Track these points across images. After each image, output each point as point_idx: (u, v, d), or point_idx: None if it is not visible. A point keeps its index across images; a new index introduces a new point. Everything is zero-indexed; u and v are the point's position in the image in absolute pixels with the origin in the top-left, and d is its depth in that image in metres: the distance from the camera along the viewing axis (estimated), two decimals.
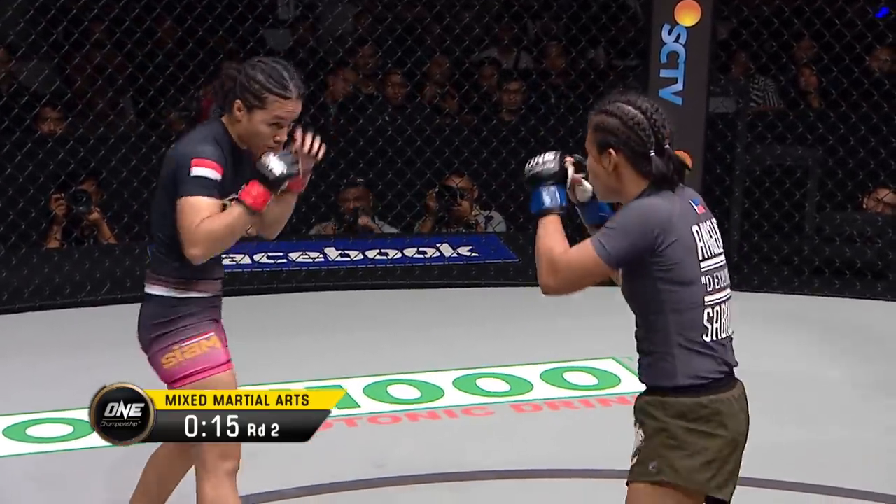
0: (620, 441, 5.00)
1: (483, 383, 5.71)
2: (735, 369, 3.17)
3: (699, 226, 3.12)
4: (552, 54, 8.59)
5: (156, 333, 3.54)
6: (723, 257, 3.16)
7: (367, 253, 7.37)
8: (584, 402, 5.60)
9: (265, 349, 5.87)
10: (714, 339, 3.12)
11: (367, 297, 7.00)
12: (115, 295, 6.72)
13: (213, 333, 3.57)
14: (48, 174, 7.08)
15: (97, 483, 4.69)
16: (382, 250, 7.39)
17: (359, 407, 5.47)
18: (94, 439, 5.00)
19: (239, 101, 3.50)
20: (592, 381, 5.82)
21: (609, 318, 6.69)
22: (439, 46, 8.56)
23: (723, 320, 3.15)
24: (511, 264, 7.31)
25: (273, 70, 3.49)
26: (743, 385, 3.18)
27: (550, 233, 3.24)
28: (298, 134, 3.53)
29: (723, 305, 3.15)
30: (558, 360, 6.00)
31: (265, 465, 4.48)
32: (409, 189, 7.63)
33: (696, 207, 3.14)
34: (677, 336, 3.11)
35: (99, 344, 5.95)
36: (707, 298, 3.11)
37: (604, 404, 5.57)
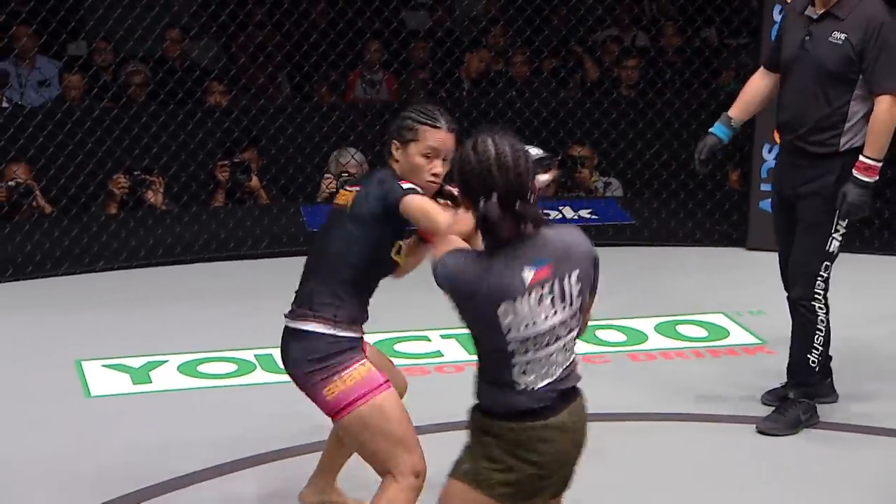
0: (731, 388, 5.07)
1: (601, 334, 5.72)
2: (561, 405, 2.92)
3: (522, 298, 2.81)
4: (668, 33, 8.52)
5: (312, 368, 3.41)
6: (558, 317, 2.85)
7: None
8: (695, 352, 5.59)
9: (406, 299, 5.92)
10: (530, 387, 2.87)
11: None
12: (273, 249, 6.85)
13: (365, 359, 3.47)
14: (215, 141, 7.24)
15: (260, 413, 4.82)
16: None
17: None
18: (256, 376, 5.19)
19: (395, 141, 3.44)
20: (703, 333, 5.81)
21: (718, 276, 6.72)
22: (564, 26, 8.53)
23: (542, 372, 2.88)
24: (627, 226, 7.28)
25: (423, 107, 3.46)
26: (579, 409, 2.96)
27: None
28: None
29: (546, 360, 2.88)
30: (671, 313, 5.99)
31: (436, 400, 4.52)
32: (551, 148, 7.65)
33: (532, 272, 2.81)
34: (486, 373, 2.93)
35: (259, 292, 6.04)
36: (517, 359, 2.85)
37: (713, 354, 5.56)
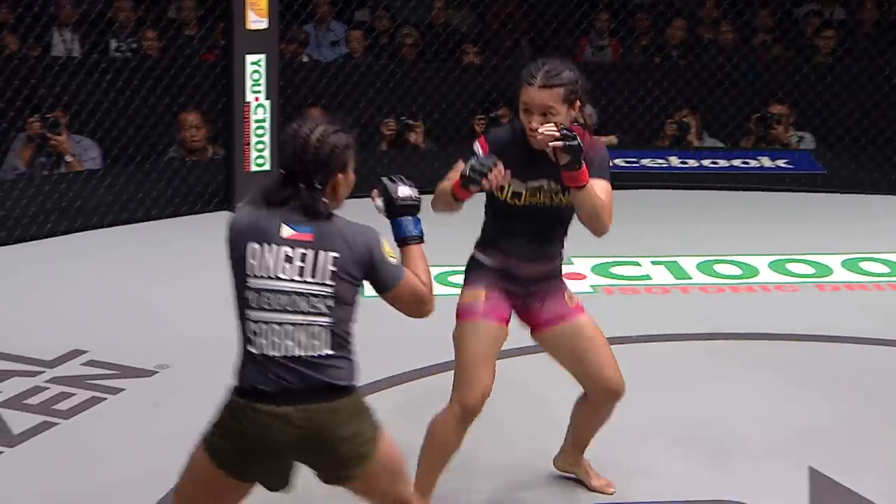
0: None
1: (792, 266, 5.48)
2: (294, 392, 2.45)
3: (272, 246, 2.47)
4: (867, 7, 8.01)
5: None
6: (310, 288, 2.45)
7: (702, 161, 7.17)
8: (877, 286, 5.29)
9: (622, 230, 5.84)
10: (261, 353, 2.47)
11: (699, 196, 6.80)
12: None
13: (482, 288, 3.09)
14: (471, 97, 7.21)
15: None
16: (713, 160, 7.18)
17: (691, 279, 5.37)
18: None
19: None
20: (885, 269, 5.48)
21: None
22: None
23: (276, 340, 2.46)
24: (819, 175, 6.93)
25: (533, 64, 2.99)
26: (304, 405, 2.44)
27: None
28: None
29: (280, 327, 2.45)
30: (857, 252, 5.66)
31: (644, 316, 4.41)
32: (739, 113, 7.36)
33: (291, 233, 2.47)
34: (241, 332, 2.54)
35: None
36: (249, 313, 2.47)
37: (893, 288, 5.25)
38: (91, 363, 4.19)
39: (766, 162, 7.11)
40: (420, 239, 2.64)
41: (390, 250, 2.54)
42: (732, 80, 7.32)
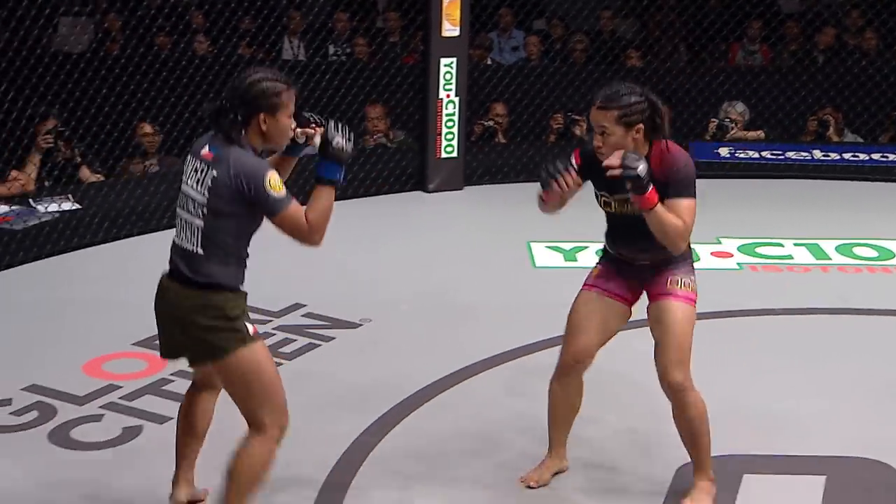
0: None
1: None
2: (180, 273, 2.61)
3: (194, 161, 2.61)
4: None
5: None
6: (197, 196, 2.58)
7: (843, 154, 6.83)
8: None
9: (765, 214, 5.66)
10: (174, 239, 2.66)
11: (839, 185, 6.48)
12: None
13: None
14: None
15: None
16: (854, 153, 6.83)
17: (830, 259, 5.14)
18: None
19: None
20: None
21: None
22: None
23: (183, 234, 2.62)
24: None
25: (607, 85, 2.84)
26: (178, 285, 2.60)
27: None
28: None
29: (187, 223, 2.61)
30: None
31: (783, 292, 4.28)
32: (879, 111, 6.96)
33: (204, 151, 2.59)
34: None
35: None
36: (177, 208, 2.66)
37: None
38: (308, 315, 4.35)
39: None
40: (331, 183, 2.63)
41: (276, 185, 2.56)
42: (875, 82, 6.94)
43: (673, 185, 2.76)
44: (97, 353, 3.86)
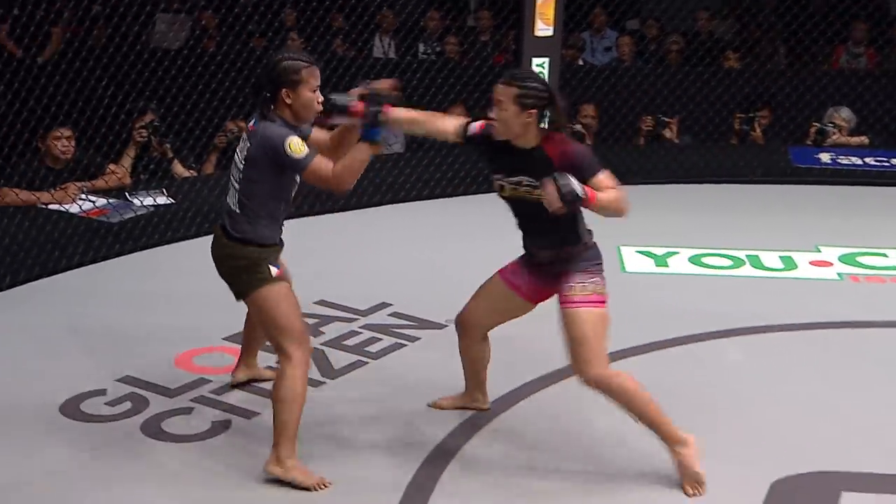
0: None
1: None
2: (223, 225, 3.03)
3: (244, 134, 3.00)
4: None
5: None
6: (239, 163, 2.96)
7: (892, 161, 6.59)
8: None
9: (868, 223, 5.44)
10: (225, 196, 3.04)
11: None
12: (763, 178, 6.47)
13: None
14: (731, 98, 6.89)
15: (748, 299, 4.57)
16: None
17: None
18: (745, 271, 4.96)
19: None
20: None
21: None
22: None
23: (228, 194, 3.02)
24: None
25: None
26: (221, 234, 3.04)
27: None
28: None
29: (231, 185, 3.00)
30: None
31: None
32: None
33: (250, 125, 2.95)
34: None
35: (743, 208, 5.75)
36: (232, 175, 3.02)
37: None
38: (395, 314, 4.35)
39: None
40: (370, 141, 2.90)
41: (297, 148, 2.87)
42: None
43: (585, 168, 2.83)
44: (188, 346, 3.93)
